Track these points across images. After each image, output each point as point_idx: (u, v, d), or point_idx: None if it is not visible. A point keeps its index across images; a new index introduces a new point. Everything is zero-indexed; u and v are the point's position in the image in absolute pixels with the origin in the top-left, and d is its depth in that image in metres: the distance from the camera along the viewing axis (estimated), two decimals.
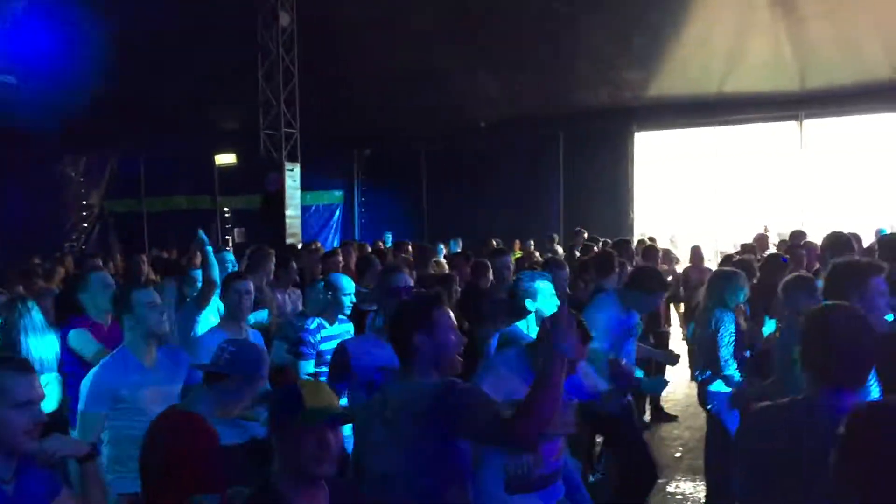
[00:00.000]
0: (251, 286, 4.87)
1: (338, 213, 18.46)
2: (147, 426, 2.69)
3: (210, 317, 5.21)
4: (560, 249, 12.01)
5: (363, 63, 14.22)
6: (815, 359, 2.49)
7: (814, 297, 4.56)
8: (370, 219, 18.06)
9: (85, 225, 19.73)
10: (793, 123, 14.90)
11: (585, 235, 11.75)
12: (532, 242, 12.29)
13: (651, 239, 11.23)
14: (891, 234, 8.53)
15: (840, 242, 5.66)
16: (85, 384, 3.65)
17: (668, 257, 10.73)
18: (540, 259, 9.79)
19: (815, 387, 2.46)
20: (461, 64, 14.24)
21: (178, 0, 12.66)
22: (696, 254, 10.34)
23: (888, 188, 14.07)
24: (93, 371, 3.70)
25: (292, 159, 13.57)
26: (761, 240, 10.68)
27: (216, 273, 5.21)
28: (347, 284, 5.07)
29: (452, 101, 15.26)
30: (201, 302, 5.21)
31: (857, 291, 3.07)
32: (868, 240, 10.29)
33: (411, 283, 4.19)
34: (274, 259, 6.79)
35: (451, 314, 2.95)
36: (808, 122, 14.79)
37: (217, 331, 4.56)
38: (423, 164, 17.43)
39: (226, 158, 18.08)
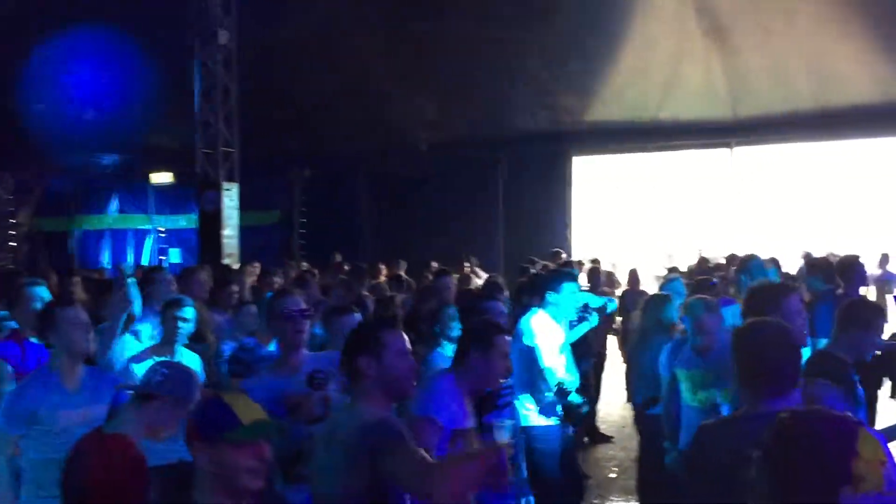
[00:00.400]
0: (191, 314, 4.74)
1: (277, 233, 18.23)
2: (68, 448, 2.61)
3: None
4: (480, 272, 11.89)
5: (303, 83, 14.16)
6: (744, 373, 2.61)
7: (716, 314, 4.75)
8: (309, 239, 17.87)
9: (13, 244, 19.12)
10: (724, 150, 15.31)
11: (564, 256, 11.76)
12: (467, 265, 12.17)
13: (594, 261, 11.32)
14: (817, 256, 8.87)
15: (754, 265, 5.90)
16: (3, 402, 3.53)
17: (612, 280, 10.88)
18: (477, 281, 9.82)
19: (751, 399, 2.58)
20: (400, 86, 14.27)
21: (114, 14, 12.44)
22: (633, 277, 10.48)
23: (813, 213, 14.55)
24: (11, 390, 3.59)
25: (230, 178, 13.38)
26: (701, 263, 10.90)
27: (137, 307, 5.01)
28: None
29: (392, 123, 15.27)
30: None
31: (775, 311, 3.20)
32: (795, 262, 10.69)
33: (303, 306, 3.89)
34: (204, 280, 6.67)
35: (405, 337, 2.81)
36: (738, 150, 15.22)
37: (148, 354, 4.48)
38: (363, 185, 17.36)
39: (162, 177, 17.77)
